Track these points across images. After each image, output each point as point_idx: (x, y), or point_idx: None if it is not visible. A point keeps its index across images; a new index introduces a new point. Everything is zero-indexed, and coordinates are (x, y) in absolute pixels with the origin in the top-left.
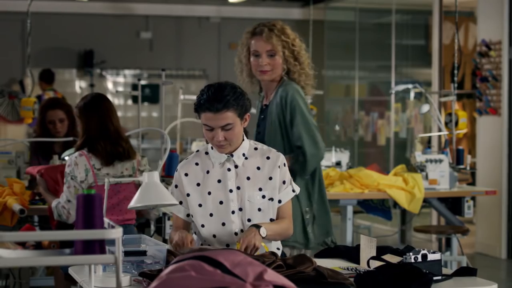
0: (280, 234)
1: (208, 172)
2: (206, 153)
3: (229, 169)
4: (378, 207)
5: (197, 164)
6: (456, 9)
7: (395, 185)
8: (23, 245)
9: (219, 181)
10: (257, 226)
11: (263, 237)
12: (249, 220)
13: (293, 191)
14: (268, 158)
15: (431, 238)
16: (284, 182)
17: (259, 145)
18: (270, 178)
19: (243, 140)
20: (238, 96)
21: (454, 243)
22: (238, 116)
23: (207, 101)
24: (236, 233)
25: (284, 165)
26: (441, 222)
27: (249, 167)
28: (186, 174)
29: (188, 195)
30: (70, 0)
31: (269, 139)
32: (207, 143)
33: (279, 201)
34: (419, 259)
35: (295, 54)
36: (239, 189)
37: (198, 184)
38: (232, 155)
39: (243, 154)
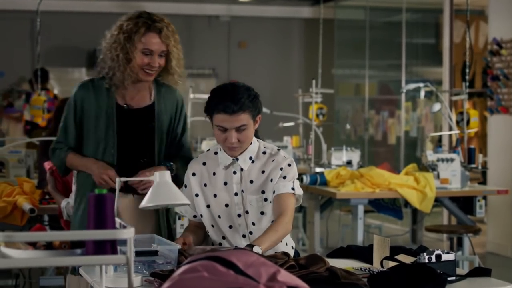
0: (279, 238)
1: (214, 173)
2: (215, 153)
3: (234, 172)
4: (389, 206)
5: (204, 164)
6: (467, 8)
7: (406, 184)
8: (33, 245)
9: (225, 183)
10: (251, 246)
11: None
12: (253, 223)
13: (292, 189)
14: (273, 160)
15: (442, 238)
16: (284, 178)
17: (269, 149)
18: (271, 180)
19: (251, 142)
20: (252, 98)
21: (466, 242)
22: (251, 117)
23: (222, 103)
24: (244, 236)
25: (289, 165)
26: (451, 221)
27: (253, 171)
28: (193, 174)
29: (196, 195)
30: (78, 0)
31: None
32: None
33: (273, 192)
34: (433, 260)
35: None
36: (243, 192)
37: (205, 185)
38: (237, 159)
39: (250, 158)
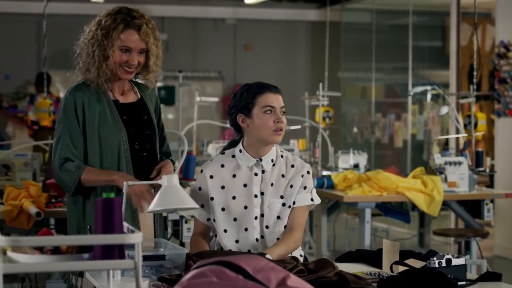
0: (288, 253)
1: (234, 176)
2: (233, 156)
3: (256, 174)
4: (396, 210)
5: (222, 166)
6: (475, 10)
7: (414, 188)
8: (40, 249)
9: (245, 185)
10: (263, 255)
11: None
12: (267, 227)
13: (312, 199)
14: (292, 166)
15: (449, 241)
16: (304, 188)
17: (285, 153)
18: (291, 186)
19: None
20: None
21: (474, 246)
22: None
23: (263, 85)
24: (257, 239)
25: (308, 173)
26: (458, 224)
27: (274, 174)
28: (211, 176)
29: (212, 198)
30: (86, 1)
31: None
32: (231, 147)
33: (294, 203)
34: (443, 264)
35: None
36: (262, 195)
37: (223, 187)
38: (261, 160)
39: (272, 160)
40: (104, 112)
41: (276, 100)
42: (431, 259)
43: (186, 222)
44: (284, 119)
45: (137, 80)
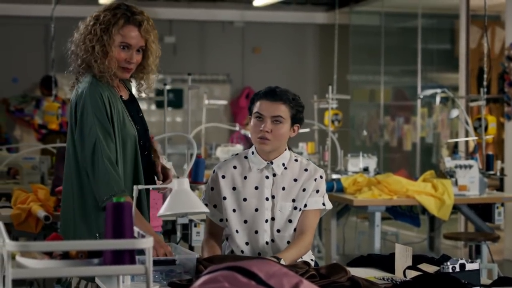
0: (299, 256)
1: (245, 177)
2: (246, 157)
3: (267, 177)
4: (406, 213)
5: (235, 167)
6: (485, 13)
7: (424, 191)
8: (49, 254)
9: (256, 188)
10: (278, 259)
11: None
12: (278, 230)
13: (323, 204)
14: (306, 170)
15: (459, 245)
16: (317, 191)
17: (299, 157)
18: (304, 190)
19: (285, 149)
20: (297, 102)
21: (484, 250)
22: (290, 117)
23: (266, 91)
24: (267, 243)
25: (321, 177)
26: (468, 228)
27: (286, 177)
28: (223, 176)
29: (224, 198)
30: (94, 4)
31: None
32: (245, 148)
33: (305, 205)
34: (457, 269)
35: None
36: (273, 198)
37: (234, 188)
38: (272, 163)
39: (283, 164)
40: (123, 109)
41: (268, 108)
42: (445, 264)
43: (195, 226)
44: (273, 127)
45: (130, 81)
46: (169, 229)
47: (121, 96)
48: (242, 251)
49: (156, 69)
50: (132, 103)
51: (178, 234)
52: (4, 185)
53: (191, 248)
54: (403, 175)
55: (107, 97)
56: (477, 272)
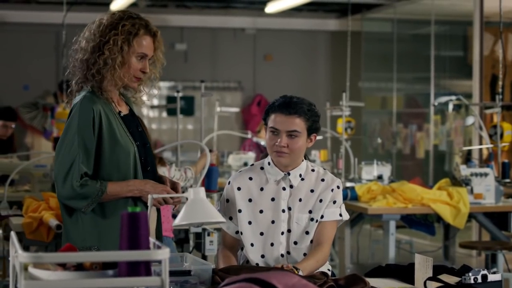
0: (317, 268)
1: (262, 189)
2: (262, 168)
3: (284, 188)
4: (421, 222)
5: (250, 178)
6: (500, 19)
7: (439, 200)
8: (63, 265)
9: (272, 199)
10: (296, 269)
11: None
12: (295, 243)
13: (340, 215)
14: (322, 180)
15: (473, 254)
16: (334, 202)
17: (316, 167)
18: (321, 201)
19: (302, 160)
20: (313, 112)
21: (500, 259)
22: (306, 129)
23: (281, 103)
24: (282, 255)
25: (338, 188)
26: (482, 236)
27: (303, 189)
28: (238, 188)
29: (239, 211)
30: (104, 12)
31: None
32: (261, 157)
33: (322, 216)
34: (479, 280)
35: None
36: (290, 210)
37: (250, 200)
38: (289, 174)
39: (300, 175)
40: (118, 125)
41: (283, 122)
42: (466, 275)
43: (208, 234)
44: (289, 142)
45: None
46: (182, 238)
47: (119, 111)
48: (257, 264)
49: (160, 77)
50: (132, 118)
51: (191, 243)
52: (16, 193)
53: (204, 257)
54: (418, 183)
55: (98, 113)
56: (499, 283)
